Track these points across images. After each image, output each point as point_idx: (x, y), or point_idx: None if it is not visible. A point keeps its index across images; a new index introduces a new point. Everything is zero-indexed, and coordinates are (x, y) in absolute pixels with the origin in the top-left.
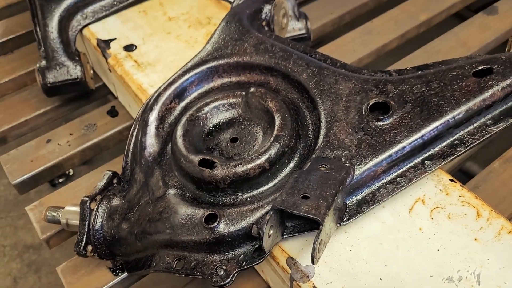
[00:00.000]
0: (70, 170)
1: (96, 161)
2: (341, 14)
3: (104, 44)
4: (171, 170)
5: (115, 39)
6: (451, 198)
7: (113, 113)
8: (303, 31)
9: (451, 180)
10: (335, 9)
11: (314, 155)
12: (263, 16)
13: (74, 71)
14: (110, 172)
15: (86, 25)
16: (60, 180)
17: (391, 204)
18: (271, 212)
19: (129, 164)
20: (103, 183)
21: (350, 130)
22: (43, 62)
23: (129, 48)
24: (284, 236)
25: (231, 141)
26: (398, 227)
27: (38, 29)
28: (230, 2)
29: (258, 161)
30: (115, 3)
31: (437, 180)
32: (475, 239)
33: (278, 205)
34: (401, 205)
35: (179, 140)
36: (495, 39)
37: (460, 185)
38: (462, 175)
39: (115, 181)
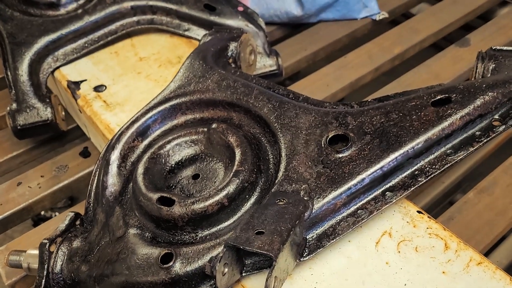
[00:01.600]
0: (56, 213)
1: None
2: (315, 50)
3: (74, 86)
4: (131, 209)
5: (85, 80)
6: (419, 230)
7: (85, 154)
8: (274, 67)
9: (418, 211)
10: (309, 46)
11: (273, 190)
12: (229, 54)
13: (44, 113)
14: (73, 213)
15: (58, 67)
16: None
17: (357, 238)
18: (224, 249)
19: (91, 204)
20: (64, 225)
21: (310, 163)
22: (14, 105)
23: (99, 88)
24: (244, 274)
25: (193, 178)
26: (364, 262)
27: (8, 73)
28: (199, 41)
29: (217, 197)
30: (86, 45)
31: (404, 212)
32: (443, 272)
33: (231, 242)
34: (367, 239)
35: (139, 178)
36: (468, 71)
37: (428, 217)
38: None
39: (78, 222)
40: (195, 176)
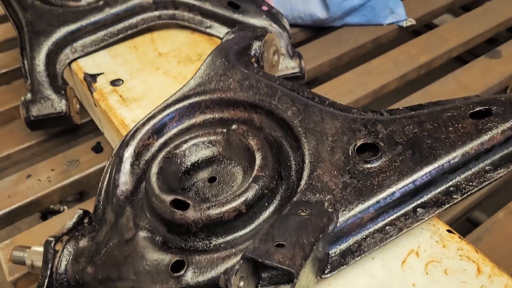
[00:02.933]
0: (65, 207)
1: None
2: (339, 54)
3: (91, 78)
4: (142, 211)
5: (102, 73)
6: (449, 251)
7: (97, 149)
8: (297, 70)
9: (448, 231)
10: (333, 50)
11: (294, 199)
12: (252, 53)
13: (58, 105)
14: (81, 211)
15: (75, 59)
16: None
17: (382, 256)
18: (241, 261)
19: (101, 202)
20: (72, 223)
21: (335, 172)
22: (28, 95)
23: (116, 82)
24: None
25: (209, 181)
26: (388, 282)
27: (25, 62)
28: (221, 39)
29: (234, 204)
30: (105, 38)
31: (433, 230)
32: None
33: (248, 254)
34: (393, 257)
35: (153, 178)
36: (499, 83)
37: (459, 237)
38: (470, 225)
39: (86, 220)
40: (212, 179)
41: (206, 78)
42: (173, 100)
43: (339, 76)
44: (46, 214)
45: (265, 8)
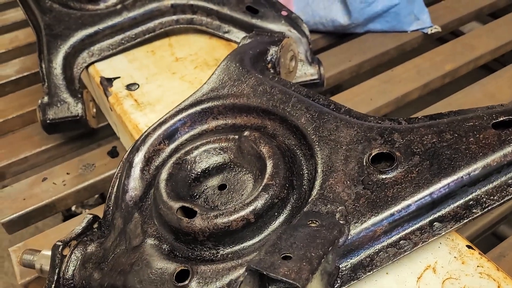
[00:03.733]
0: (86, 210)
1: None
2: (360, 61)
3: (107, 82)
4: (151, 217)
5: (118, 77)
6: (468, 268)
7: (113, 153)
8: (315, 76)
9: (468, 246)
10: (354, 56)
11: (305, 209)
12: (268, 58)
13: (74, 108)
14: (91, 216)
15: (92, 63)
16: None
17: (396, 271)
18: (245, 273)
19: (110, 208)
20: (81, 227)
21: (348, 182)
22: (45, 99)
23: (131, 86)
24: None
25: (219, 189)
26: None
27: (42, 65)
28: (237, 43)
29: (242, 213)
30: (123, 42)
31: (451, 245)
32: None
33: (253, 265)
34: (408, 273)
35: (161, 184)
36: None
37: (479, 253)
38: (495, 239)
39: (95, 225)
40: (222, 187)
41: (220, 83)
42: (185, 105)
43: (360, 83)
44: (69, 217)
45: (284, 13)
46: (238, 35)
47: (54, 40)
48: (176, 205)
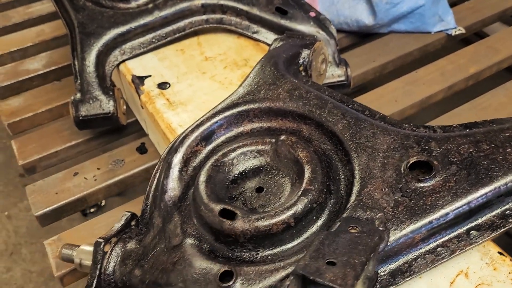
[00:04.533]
0: (102, 201)
1: (128, 194)
2: (384, 62)
3: (139, 81)
4: (190, 218)
5: (149, 76)
6: (500, 274)
7: (142, 150)
8: (343, 78)
9: (499, 253)
10: (378, 57)
11: (344, 215)
12: (300, 61)
13: (107, 105)
14: (129, 213)
15: (123, 61)
16: (92, 210)
17: (430, 276)
18: (292, 278)
19: (148, 206)
20: (120, 225)
21: (387, 189)
22: (78, 95)
23: (163, 85)
24: None
25: (256, 191)
26: None
27: (76, 62)
28: (268, 45)
29: (283, 216)
30: (153, 40)
31: (483, 251)
32: None
33: (299, 270)
34: (441, 277)
35: (201, 187)
36: None
37: (511, 260)
38: None
39: (133, 223)
40: (259, 189)
41: (255, 86)
42: (221, 107)
43: (384, 84)
44: (85, 210)
45: (313, 14)
46: (266, 35)
47: (87, 38)
48: (217, 207)
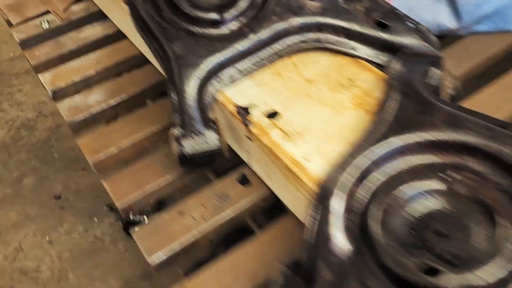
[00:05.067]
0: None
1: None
2: (471, 66)
3: (244, 111)
4: (370, 271)
5: (253, 104)
6: None
7: (243, 181)
8: (453, 92)
9: None
10: (463, 62)
11: None
12: (432, 82)
13: (212, 140)
14: (288, 271)
15: (221, 90)
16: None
17: None
18: None
19: (309, 257)
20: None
21: None
22: (179, 130)
23: (272, 115)
24: None
25: (437, 236)
26: None
27: (173, 95)
28: (369, 61)
29: (502, 274)
30: (252, 67)
31: None
32: None
33: None
34: None
35: (382, 240)
36: None
37: None
38: None
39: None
40: (440, 234)
41: (401, 115)
42: (370, 142)
43: (478, 91)
44: (127, 225)
45: (411, 24)
46: (364, 51)
47: (185, 70)
48: (410, 262)
